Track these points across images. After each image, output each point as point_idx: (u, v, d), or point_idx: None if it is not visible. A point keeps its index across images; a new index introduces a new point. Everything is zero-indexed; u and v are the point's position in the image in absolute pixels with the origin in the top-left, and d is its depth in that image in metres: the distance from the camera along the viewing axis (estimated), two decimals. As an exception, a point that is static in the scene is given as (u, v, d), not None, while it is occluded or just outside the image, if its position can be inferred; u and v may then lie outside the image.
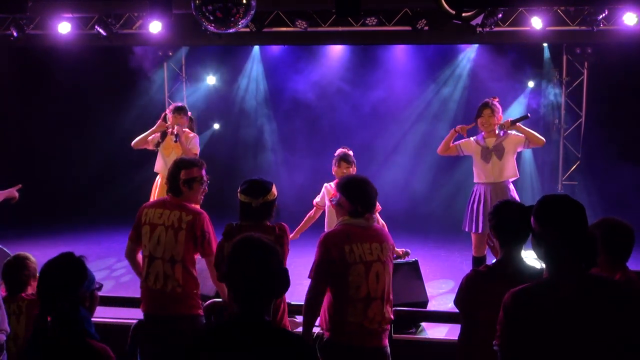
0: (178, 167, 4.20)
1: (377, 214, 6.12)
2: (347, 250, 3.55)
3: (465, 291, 3.15)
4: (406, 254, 6.08)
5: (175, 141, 6.77)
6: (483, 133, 6.24)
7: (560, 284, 2.41)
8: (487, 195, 6.18)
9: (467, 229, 6.33)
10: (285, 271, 2.43)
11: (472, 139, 6.31)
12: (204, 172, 4.27)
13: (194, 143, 7.00)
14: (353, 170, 5.98)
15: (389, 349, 3.73)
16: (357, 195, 3.69)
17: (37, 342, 2.71)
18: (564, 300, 2.38)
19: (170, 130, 6.82)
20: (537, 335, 2.39)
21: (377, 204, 5.96)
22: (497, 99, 6.30)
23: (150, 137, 6.88)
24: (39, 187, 11.05)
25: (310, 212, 6.11)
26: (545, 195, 2.58)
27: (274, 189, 3.89)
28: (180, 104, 7.15)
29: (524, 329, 2.41)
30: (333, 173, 5.97)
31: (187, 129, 7.01)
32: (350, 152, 6.09)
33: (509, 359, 2.47)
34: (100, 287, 2.93)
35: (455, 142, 6.33)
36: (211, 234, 4.11)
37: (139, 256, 4.27)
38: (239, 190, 3.84)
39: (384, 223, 6.11)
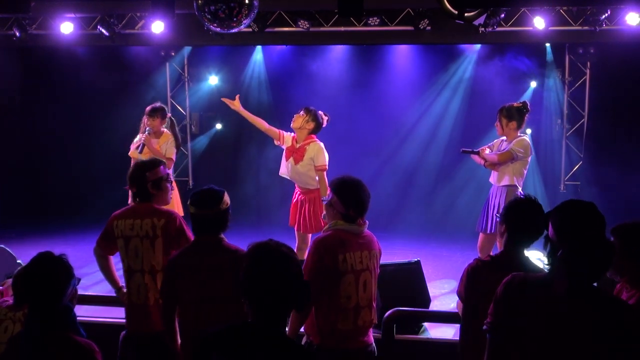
0: (141, 170, 4.06)
1: None
2: (341, 259, 3.51)
3: (467, 280, 3.16)
4: None
5: (140, 152, 6.57)
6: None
7: (556, 283, 2.40)
8: (490, 197, 6.29)
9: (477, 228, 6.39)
10: (305, 283, 2.40)
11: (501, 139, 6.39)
12: (168, 170, 4.19)
13: (169, 146, 6.81)
14: (308, 123, 6.19)
15: (374, 345, 3.74)
16: (350, 198, 3.61)
17: (27, 341, 2.73)
18: (554, 299, 2.38)
19: (143, 137, 6.70)
20: (523, 324, 2.39)
21: None
22: (508, 105, 6.27)
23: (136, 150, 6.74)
24: (41, 187, 11.08)
25: (269, 126, 6.44)
26: (564, 202, 2.54)
27: (226, 197, 3.65)
28: (157, 105, 6.97)
29: (514, 313, 2.42)
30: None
31: (165, 129, 6.90)
32: (324, 116, 6.34)
33: (495, 340, 2.48)
34: (79, 281, 2.97)
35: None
36: (187, 231, 3.96)
37: (112, 265, 4.20)
38: (188, 202, 3.64)
39: None
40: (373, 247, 3.68)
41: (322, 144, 6.28)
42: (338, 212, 3.61)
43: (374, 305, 3.69)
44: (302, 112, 6.30)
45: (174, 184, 6.69)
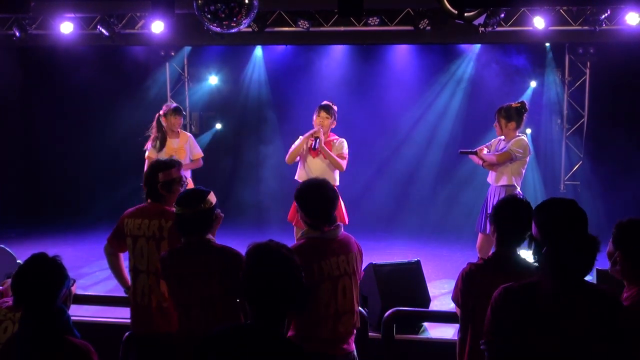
0: (154, 170, 4.01)
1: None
2: (316, 269, 3.35)
3: (462, 285, 3.15)
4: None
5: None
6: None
7: (543, 282, 2.41)
8: (488, 197, 6.27)
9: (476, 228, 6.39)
10: (305, 285, 2.39)
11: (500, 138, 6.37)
12: (182, 172, 4.11)
13: (194, 145, 7.20)
14: (332, 123, 6.44)
15: (355, 354, 3.62)
16: (309, 207, 3.46)
17: (22, 342, 2.73)
18: (544, 298, 2.39)
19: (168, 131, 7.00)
20: (520, 334, 2.40)
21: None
22: (506, 105, 6.25)
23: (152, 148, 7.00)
24: (41, 187, 11.08)
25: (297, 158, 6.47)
26: (545, 200, 2.57)
27: (211, 197, 3.54)
28: (175, 104, 7.31)
29: (509, 326, 2.42)
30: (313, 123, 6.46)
31: (181, 130, 7.18)
32: (335, 107, 6.55)
33: (494, 357, 2.48)
34: (73, 282, 2.95)
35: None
36: None
37: (122, 264, 4.19)
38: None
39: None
40: (350, 249, 3.51)
41: (344, 139, 6.51)
42: (304, 222, 3.51)
43: (356, 309, 3.55)
44: (323, 113, 6.44)
45: (189, 185, 6.70)
